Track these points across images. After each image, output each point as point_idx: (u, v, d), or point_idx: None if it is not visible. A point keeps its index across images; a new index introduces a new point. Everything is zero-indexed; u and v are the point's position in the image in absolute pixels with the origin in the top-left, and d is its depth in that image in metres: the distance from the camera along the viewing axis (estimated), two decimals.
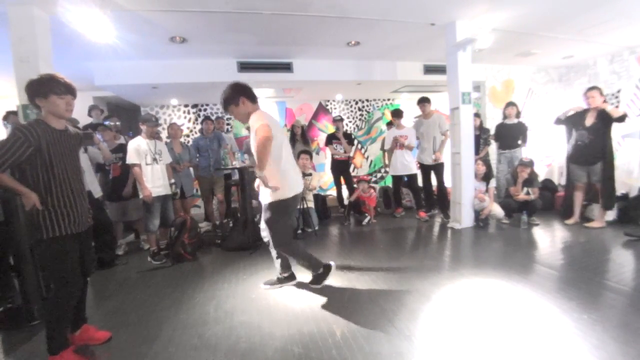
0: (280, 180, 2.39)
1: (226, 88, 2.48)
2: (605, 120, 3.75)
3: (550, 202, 4.93)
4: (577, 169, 3.99)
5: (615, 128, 3.89)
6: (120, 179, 3.89)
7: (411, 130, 5.08)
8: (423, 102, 4.87)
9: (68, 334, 1.95)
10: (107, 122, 4.35)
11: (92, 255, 2.10)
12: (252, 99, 2.48)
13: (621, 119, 3.66)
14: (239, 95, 2.44)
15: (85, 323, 2.10)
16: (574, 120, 4.00)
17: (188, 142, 6.31)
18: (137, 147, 3.42)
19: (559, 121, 4.16)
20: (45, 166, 1.76)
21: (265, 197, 2.48)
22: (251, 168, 4.57)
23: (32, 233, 1.80)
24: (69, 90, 1.84)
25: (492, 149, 5.32)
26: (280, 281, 2.76)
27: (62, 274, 1.80)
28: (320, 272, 2.67)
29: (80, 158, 3.49)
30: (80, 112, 5.05)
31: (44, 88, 1.78)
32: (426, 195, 5.03)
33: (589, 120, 3.84)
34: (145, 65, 4.72)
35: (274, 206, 2.47)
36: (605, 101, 3.88)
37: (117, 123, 4.46)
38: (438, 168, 4.73)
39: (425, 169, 4.93)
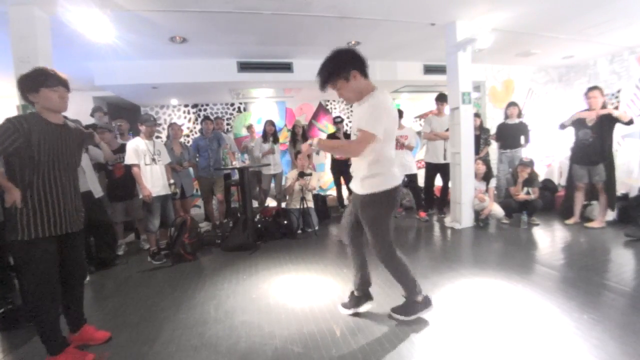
0: (385, 167, 1.92)
1: (333, 54, 1.88)
2: (608, 119, 3.74)
3: (550, 202, 4.93)
4: (579, 169, 3.98)
5: (617, 128, 3.88)
6: (123, 178, 3.88)
7: (411, 130, 5.08)
8: (442, 100, 4.72)
9: (66, 333, 1.95)
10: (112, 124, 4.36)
11: (81, 257, 1.99)
12: (365, 72, 1.90)
13: (630, 122, 3.65)
14: (351, 67, 1.84)
15: (85, 323, 2.09)
16: (577, 121, 3.98)
17: (188, 142, 6.32)
18: (136, 148, 3.42)
19: (563, 127, 4.10)
20: (32, 161, 1.68)
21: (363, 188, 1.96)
22: (252, 168, 4.59)
23: (8, 233, 1.69)
24: (60, 82, 1.77)
25: (493, 148, 5.33)
26: (357, 304, 2.23)
27: (34, 278, 1.71)
28: (419, 301, 2.07)
29: (82, 158, 3.50)
30: (82, 112, 5.07)
31: (34, 82, 1.72)
32: (427, 195, 5.03)
33: (591, 120, 3.83)
34: (145, 65, 4.72)
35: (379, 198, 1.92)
36: (605, 104, 3.86)
37: (120, 124, 4.45)
38: (447, 168, 4.68)
39: (432, 168, 4.91)
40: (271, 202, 5.89)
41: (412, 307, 2.09)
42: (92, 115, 4.86)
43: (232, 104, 7.14)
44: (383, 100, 1.85)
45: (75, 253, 1.94)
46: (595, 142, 3.80)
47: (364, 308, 2.22)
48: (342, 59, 1.87)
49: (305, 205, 4.44)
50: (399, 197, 2.03)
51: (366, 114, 1.83)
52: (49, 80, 1.74)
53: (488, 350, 1.75)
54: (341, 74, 1.85)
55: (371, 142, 1.81)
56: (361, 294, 2.24)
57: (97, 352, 1.95)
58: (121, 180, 3.90)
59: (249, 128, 5.91)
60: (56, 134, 1.77)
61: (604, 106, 3.82)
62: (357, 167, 2.00)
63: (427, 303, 2.10)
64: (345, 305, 2.27)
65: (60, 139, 1.79)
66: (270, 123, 5.40)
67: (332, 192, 6.12)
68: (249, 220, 3.90)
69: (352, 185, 2.10)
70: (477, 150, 4.75)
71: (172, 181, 3.77)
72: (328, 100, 7.63)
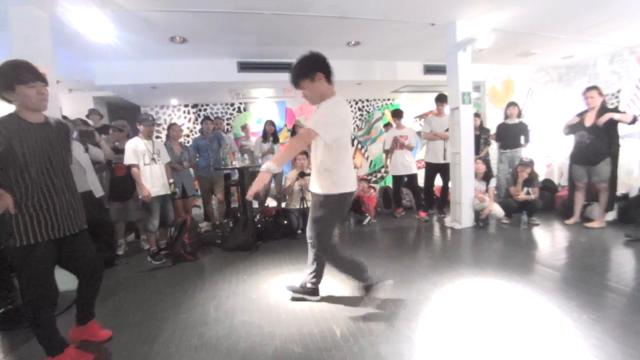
0: (339, 173, 2.11)
1: (301, 58, 2.09)
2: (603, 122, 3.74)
3: (550, 202, 4.93)
4: (579, 169, 3.99)
5: (622, 127, 3.87)
6: (123, 178, 3.88)
7: (411, 130, 5.08)
8: (442, 100, 4.72)
9: (69, 331, 1.95)
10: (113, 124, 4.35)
11: (89, 254, 1.94)
12: (330, 78, 2.11)
13: (633, 121, 3.65)
14: (317, 69, 2.05)
15: (93, 319, 2.09)
16: (576, 124, 3.99)
17: (188, 142, 6.33)
18: (135, 148, 3.42)
19: (566, 134, 4.12)
20: (19, 166, 1.60)
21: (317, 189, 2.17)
22: (251, 168, 4.61)
23: (5, 238, 1.64)
24: (37, 77, 1.63)
25: (493, 148, 5.33)
26: (304, 291, 2.45)
27: (32, 281, 1.69)
28: (370, 285, 2.31)
29: (82, 157, 3.50)
30: (82, 112, 5.08)
31: (8, 79, 1.59)
32: (427, 195, 5.03)
33: (589, 121, 3.84)
34: (145, 65, 4.73)
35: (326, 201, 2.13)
36: (604, 103, 3.86)
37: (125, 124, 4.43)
38: (447, 168, 4.67)
39: (432, 168, 4.90)
40: (271, 202, 5.89)
41: (368, 289, 2.30)
42: (87, 117, 4.87)
43: (232, 104, 7.14)
44: (339, 108, 2.05)
45: (80, 252, 1.90)
46: (593, 142, 3.80)
47: (309, 299, 2.44)
48: (311, 61, 2.07)
49: (305, 205, 4.44)
50: (348, 205, 2.25)
51: (319, 116, 2.03)
52: (23, 75, 1.60)
53: (488, 350, 1.75)
54: (308, 74, 2.05)
55: (311, 139, 2.01)
56: (313, 288, 2.44)
57: (97, 353, 1.95)
58: (121, 180, 3.90)
59: (244, 128, 5.88)
60: (39, 134, 1.68)
61: (603, 105, 3.82)
62: (315, 169, 2.18)
63: (375, 283, 2.30)
64: (291, 287, 2.50)
65: (44, 139, 1.69)
66: (270, 123, 5.40)
67: None
68: (249, 220, 3.90)
69: (310, 185, 2.29)
70: (477, 150, 4.75)
71: (171, 181, 3.76)
72: None
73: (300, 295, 2.44)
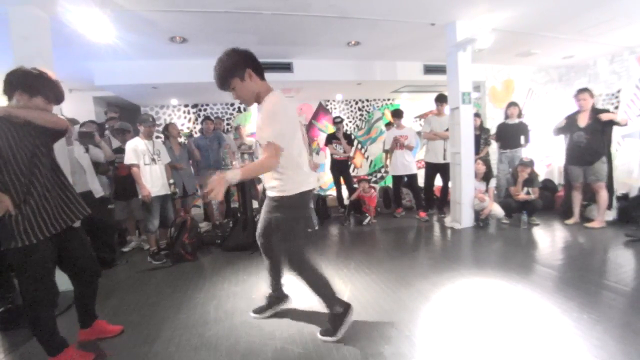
0: (292, 171, 1.87)
1: (223, 55, 1.82)
2: (601, 120, 3.77)
3: (550, 202, 4.93)
4: (574, 169, 4.01)
5: (616, 128, 3.93)
6: (127, 177, 3.87)
7: (411, 130, 5.08)
8: (442, 100, 4.74)
9: (76, 334, 1.96)
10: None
11: (86, 253, 1.96)
12: (261, 73, 1.89)
13: (626, 124, 3.83)
14: (245, 66, 1.81)
15: (97, 319, 2.11)
16: (568, 125, 4.02)
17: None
18: (135, 148, 3.43)
19: (557, 133, 4.23)
20: (13, 169, 1.62)
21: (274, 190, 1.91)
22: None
23: (6, 241, 1.63)
24: (57, 100, 1.77)
25: (493, 148, 5.33)
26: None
27: (32, 281, 1.69)
28: (340, 312, 1.93)
29: (82, 158, 3.49)
30: (82, 112, 5.07)
31: (37, 86, 1.67)
32: (427, 195, 5.03)
33: (583, 121, 3.88)
34: (145, 65, 4.72)
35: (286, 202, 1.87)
36: (594, 104, 3.98)
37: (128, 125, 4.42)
38: (447, 168, 4.66)
39: (432, 168, 4.90)
40: None
41: (336, 322, 1.92)
42: (105, 113, 4.93)
43: (232, 104, 7.14)
44: (279, 103, 1.81)
45: (79, 252, 1.92)
46: (589, 142, 3.83)
47: (278, 308, 2.29)
48: (236, 58, 1.81)
49: None
50: (308, 203, 1.96)
51: (268, 123, 1.76)
52: (52, 94, 1.73)
53: (488, 350, 1.75)
54: (236, 72, 1.79)
55: (280, 152, 1.74)
56: (276, 295, 2.29)
57: (97, 352, 1.95)
58: (124, 180, 3.89)
59: (237, 129, 5.87)
60: (27, 135, 1.70)
61: (594, 107, 3.90)
62: (267, 172, 1.91)
63: (348, 310, 1.95)
64: (257, 311, 2.28)
65: (30, 136, 1.71)
66: None
67: (332, 192, 6.12)
68: (249, 220, 3.90)
69: (266, 188, 2.04)
70: (477, 150, 4.75)
71: (172, 181, 3.77)
72: (328, 100, 7.63)
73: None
